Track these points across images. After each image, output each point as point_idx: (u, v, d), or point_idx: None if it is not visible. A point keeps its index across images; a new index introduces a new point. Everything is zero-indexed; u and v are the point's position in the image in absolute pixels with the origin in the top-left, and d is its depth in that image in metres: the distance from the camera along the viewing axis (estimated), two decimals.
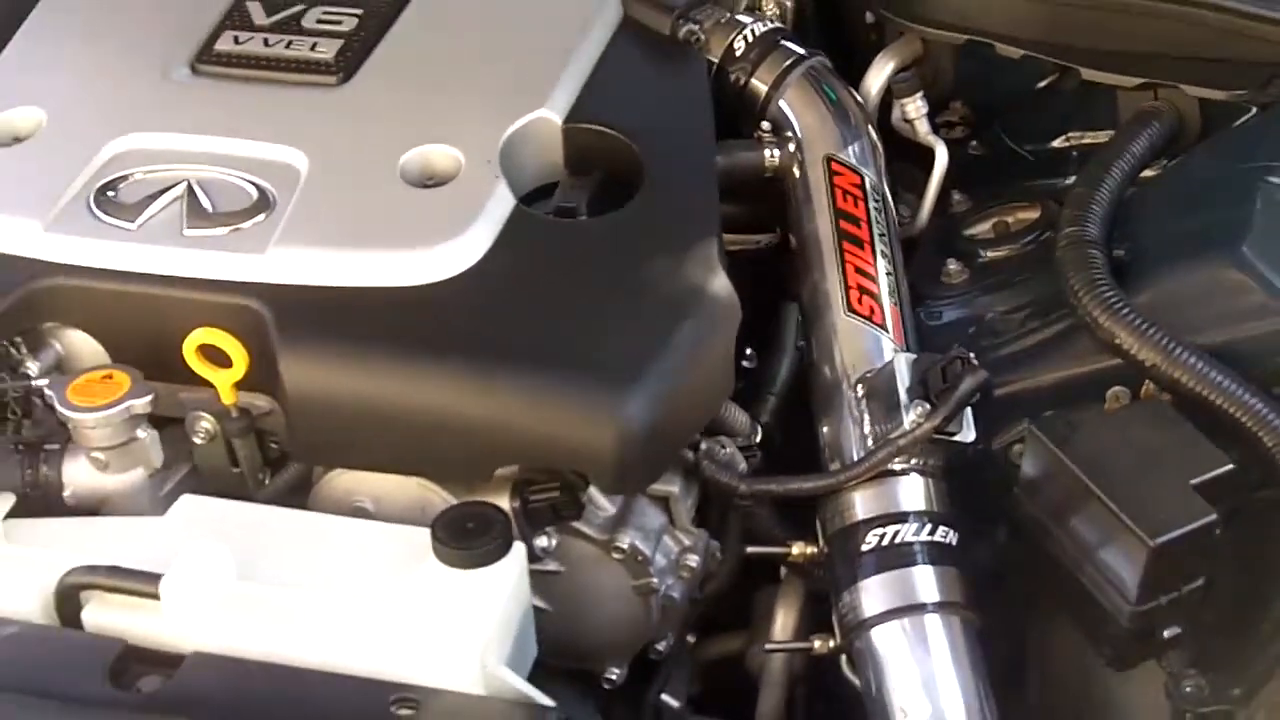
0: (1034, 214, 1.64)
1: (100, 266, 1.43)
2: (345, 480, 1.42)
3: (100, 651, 1.22)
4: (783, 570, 1.55)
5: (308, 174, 1.47)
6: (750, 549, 1.49)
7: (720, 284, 1.41)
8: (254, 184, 1.47)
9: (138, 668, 1.22)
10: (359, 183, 1.47)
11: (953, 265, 1.61)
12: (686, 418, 1.39)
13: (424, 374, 1.35)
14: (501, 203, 1.44)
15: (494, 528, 1.27)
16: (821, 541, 1.45)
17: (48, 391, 1.39)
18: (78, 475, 1.40)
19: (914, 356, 1.43)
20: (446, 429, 1.35)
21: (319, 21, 1.61)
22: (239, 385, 1.37)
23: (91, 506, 1.41)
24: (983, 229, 1.67)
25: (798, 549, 1.47)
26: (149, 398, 1.37)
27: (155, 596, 1.23)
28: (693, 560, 1.46)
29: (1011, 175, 1.73)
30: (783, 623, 1.53)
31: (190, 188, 1.47)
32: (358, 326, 1.38)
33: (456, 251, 1.41)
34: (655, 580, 1.43)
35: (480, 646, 1.22)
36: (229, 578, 1.25)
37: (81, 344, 1.46)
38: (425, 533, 1.31)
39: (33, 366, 1.45)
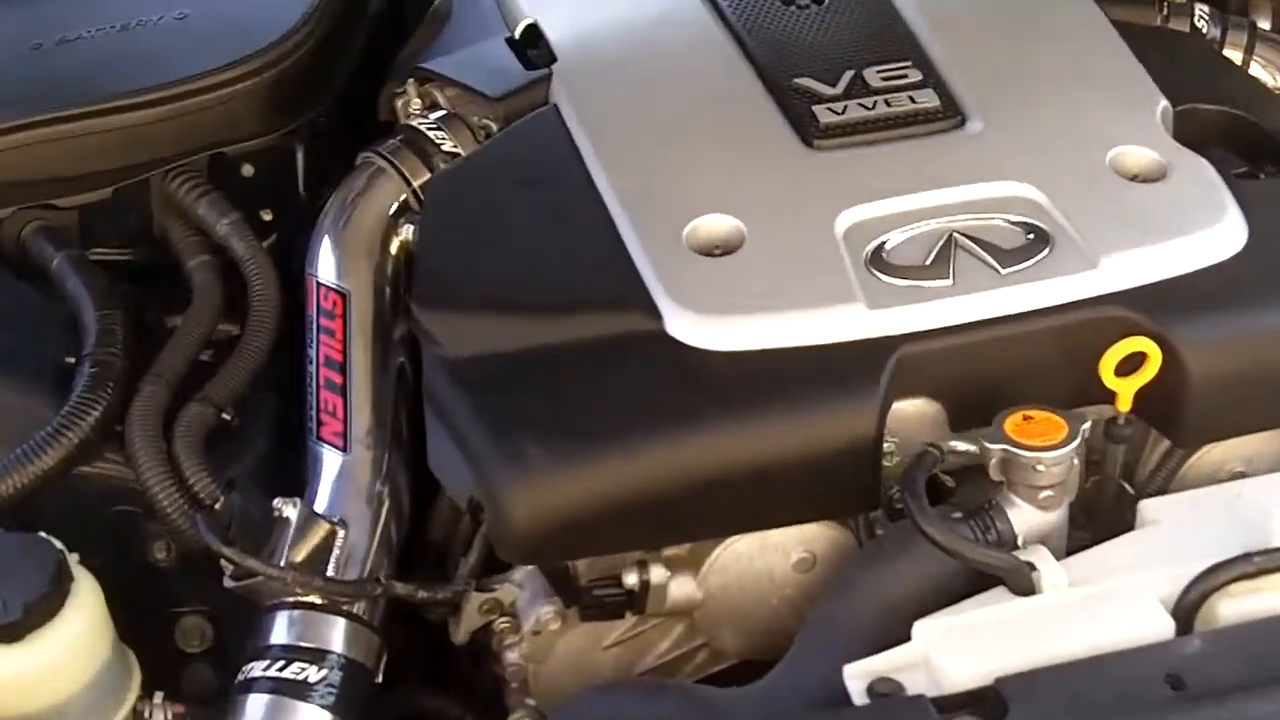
0: None
1: (951, 324, 1.47)
2: (1216, 453, 1.53)
3: None
4: None
5: (1046, 200, 1.55)
6: None
7: None
8: (1007, 220, 1.53)
9: None
10: (1092, 192, 1.56)
11: None
12: None
13: None
14: (1219, 179, 1.58)
15: None
16: None
17: (990, 448, 1.41)
18: (1026, 520, 1.41)
19: None
20: None
21: (884, 79, 1.67)
22: (1142, 389, 1.45)
23: None
24: None
25: None
26: (1089, 423, 1.42)
27: None
28: None
29: None
30: None
31: (957, 237, 1.52)
32: (1233, 303, 1.49)
33: (1232, 227, 1.54)
34: None
35: None
36: None
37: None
38: None
39: None
